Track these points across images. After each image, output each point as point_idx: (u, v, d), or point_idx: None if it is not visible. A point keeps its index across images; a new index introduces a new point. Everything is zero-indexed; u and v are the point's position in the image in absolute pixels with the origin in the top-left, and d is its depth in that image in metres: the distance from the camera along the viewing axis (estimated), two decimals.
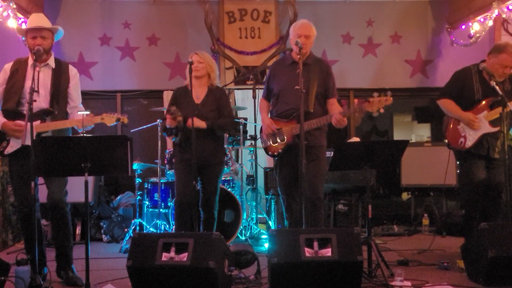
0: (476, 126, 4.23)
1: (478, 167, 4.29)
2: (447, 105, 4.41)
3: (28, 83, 3.71)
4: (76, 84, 3.95)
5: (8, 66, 3.86)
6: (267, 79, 4.36)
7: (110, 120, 3.73)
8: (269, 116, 4.27)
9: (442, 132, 4.54)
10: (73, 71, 3.94)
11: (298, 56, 3.89)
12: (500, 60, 4.21)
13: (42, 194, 3.90)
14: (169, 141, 6.29)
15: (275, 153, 4.15)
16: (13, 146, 3.71)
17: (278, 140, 4.11)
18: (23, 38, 3.92)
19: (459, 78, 4.42)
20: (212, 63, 4.38)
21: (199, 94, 4.30)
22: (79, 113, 3.80)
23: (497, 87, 4.05)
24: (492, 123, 4.24)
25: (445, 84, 4.56)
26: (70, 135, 3.95)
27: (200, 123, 4.12)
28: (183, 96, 4.28)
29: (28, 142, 3.35)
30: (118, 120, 3.73)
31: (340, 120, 3.94)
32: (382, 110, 3.84)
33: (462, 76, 4.41)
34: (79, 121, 3.75)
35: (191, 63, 4.04)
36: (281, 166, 4.18)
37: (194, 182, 3.96)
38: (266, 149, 4.23)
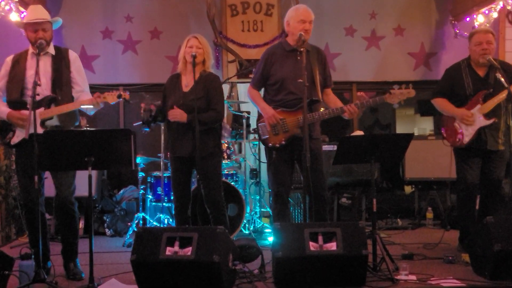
0: (470, 121, 4.22)
1: (472, 168, 4.30)
2: (441, 104, 4.43)
3: (29, 73, 3.71)
4: (78, 68, 3.90)
5: (9, 58, 3.85)
6: (262, 66, 4.10)
7: (111, 98, 3.68)
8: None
9: (440, 132, 4.53)
10: (73, 55, 3.90)
11: (302, 49, 3.85)
12: (474, 42, 4.31)
13: (47, 188, 3.89)
14: None
15: (277, 145, 3.98)
16: (19, 136, 3.70)
17: (281, 131, 3.99)
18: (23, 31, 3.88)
19: (449, 75, 4.46)
20: (209, 49, 4.11)
21: (189, 81, 4.05)
22: (78, 100, 3.77)
23: (502, 79, 4.04)
24: (487, 115, 4.23)
25: (438, 83, 4.60)
26: (78, 122, 3.93)
27: (181, 117, 3.94)
28: (173, 85, 4.14)
29: (31, 131, 3.34)
30: (119, 96, 3.68)
31: (355, 112, 3.91)
32: (403, 102, 3.86)
33: (452, 72, 4.45)
34: (81, 102, 3.72)
35: (194, 57, 3.96)
36: (279, 158, 4.00)
37: (197, 176, 3.95)
38: (265, 141, 4.02)
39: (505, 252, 3.39)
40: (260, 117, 4.10)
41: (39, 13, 3.77)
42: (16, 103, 3.72)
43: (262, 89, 4.25)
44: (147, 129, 4.23)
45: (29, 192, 3.65)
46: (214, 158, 4.08)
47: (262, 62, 4.12)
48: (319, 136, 4.16)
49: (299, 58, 4.01)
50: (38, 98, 3.47)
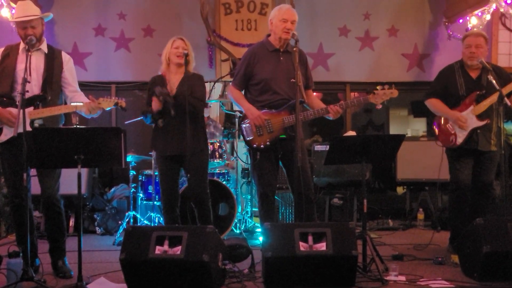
0: (463, 125, 4.24)
1: (464, 169, 4.31)
2: (434, 105, 4.44)
3: (19, 67, 3.67)
4: (70, 69, 3.88)
5: None
6: (244, 66, 4.07)
7: (107, 104, 3.63)
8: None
9: (434, 133, 4.55)
10: (66, 57, 3.88)
11: (295, 48, 3.83)
12: (465, 44, 4.36)
13: (35, 185, 3.86)
14: None
15: (261, 146, 3.97)
16: (6, 134, 3.65)
17: (265, 132, 3.97)
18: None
19: (443, 76, 4.48)
20: (192, 51, 4.17)
21: (174, 82, 4.11)
22: (72, 104, 3.74)
23: (494, 81, 4.05)
24: (480, 116, 4.25)
25: (431, 84, 4.62)
26: (63, 122, 3.90)
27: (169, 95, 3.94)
28: (159, 85, 4.11)
29: (20, 131, 3.29)
30: (116, 104, 3.64)
31: (339, 113, 3.93)
32: (386, 102, 3.87)
33: (446, 73, 4.47)
34: (74, 107, 3.68)
35: (186, 55, 3.98)
36: (265, 159, 3.99)
37: (188, 175, 3.95)
38: (250, 142, 4.00)
39: (494, 253, 3.40)
40: (243, 118, 4.10)
41: (26, 9, 3.71)
42: (4, 97, 3.67)
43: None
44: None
45: (17, 189, 3.61)
46: (203, 154, 4.16)
47: (244, 62, 4.11)
48: (303, 136, 4.18)
49: (281, 58, 4.05)
50: (27, 95, 3.43)
